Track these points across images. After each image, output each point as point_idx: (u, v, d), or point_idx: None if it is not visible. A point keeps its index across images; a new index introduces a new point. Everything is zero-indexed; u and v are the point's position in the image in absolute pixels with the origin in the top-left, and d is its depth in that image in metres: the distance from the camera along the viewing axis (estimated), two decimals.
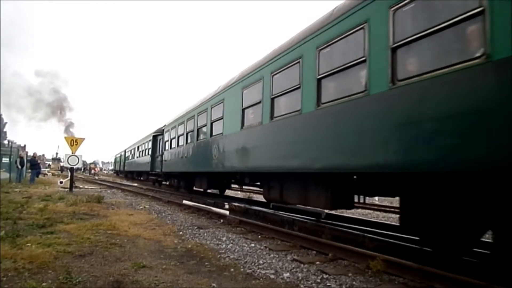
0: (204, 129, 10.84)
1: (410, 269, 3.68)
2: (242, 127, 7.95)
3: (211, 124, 10.06)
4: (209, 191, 14.74)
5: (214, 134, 9.86)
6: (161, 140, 18.31)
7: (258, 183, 9.03)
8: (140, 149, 26.32)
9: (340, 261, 4.41)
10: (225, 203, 9.84)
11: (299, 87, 5.86)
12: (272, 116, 6.67)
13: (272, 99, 6.70)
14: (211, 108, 10.12)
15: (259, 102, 7.16)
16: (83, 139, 15.11)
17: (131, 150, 31.95)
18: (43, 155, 70.86)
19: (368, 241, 5.05)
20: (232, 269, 3.94)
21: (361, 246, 4.83)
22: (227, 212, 8.22)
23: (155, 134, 20.19)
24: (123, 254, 4.38)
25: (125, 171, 37.06)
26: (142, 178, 29.10)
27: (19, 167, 19.84)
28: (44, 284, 3.17)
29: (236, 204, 9.73)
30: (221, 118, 9.29)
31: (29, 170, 21.51)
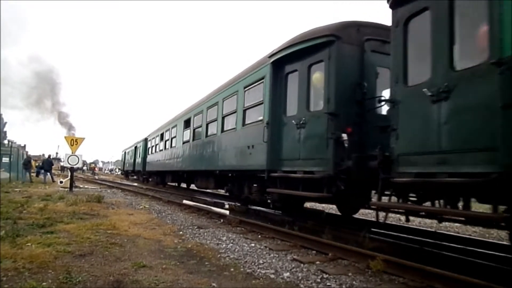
0: None
1: (410, 269, 3.67)
2: None
3: None
4: None
5: None
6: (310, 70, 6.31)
7: None
8: (195, 124, 12.68)
9: (340, 261, 4.40)
10: (225, 203, 9.84)
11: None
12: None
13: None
14: None
15: None
16: (83, 138, 15.13)
17: (161, 135, 19.18)
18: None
19: (368, 241, 5.04)
20: (232, 269, 3.94)
21: (361, 246, 4.83)
22: (227, 212, 8.23)
23: (277, 56, 7.06)
24: (123, 253, 4.38)
25: (147, 171, 23.80)
26: (194, 186, 15.44)
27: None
28: (44, 283, 3.16)
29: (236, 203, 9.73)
30: None
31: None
